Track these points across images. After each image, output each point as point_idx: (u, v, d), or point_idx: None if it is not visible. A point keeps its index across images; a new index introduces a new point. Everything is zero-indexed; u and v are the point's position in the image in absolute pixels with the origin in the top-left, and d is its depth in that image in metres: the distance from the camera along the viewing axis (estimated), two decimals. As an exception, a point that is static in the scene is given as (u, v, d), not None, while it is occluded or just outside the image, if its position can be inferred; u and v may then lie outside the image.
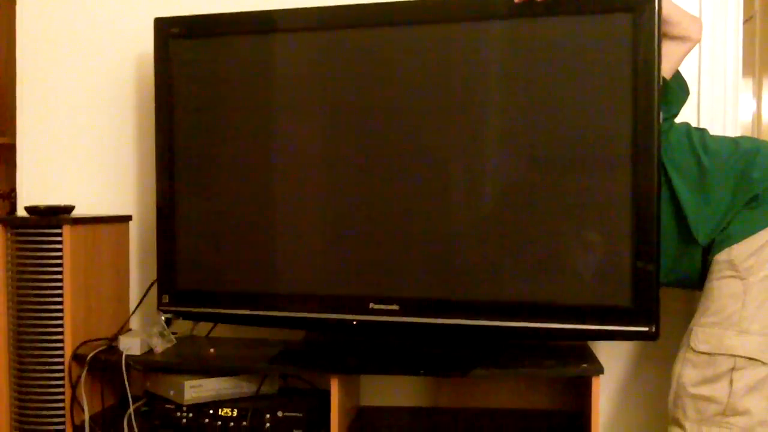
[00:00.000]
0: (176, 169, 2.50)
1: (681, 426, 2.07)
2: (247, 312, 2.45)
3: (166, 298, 2.51)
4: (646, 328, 2.19)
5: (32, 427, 2.41)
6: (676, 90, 2.30)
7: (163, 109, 2.51)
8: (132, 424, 2.37)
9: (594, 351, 2.49)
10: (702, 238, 2.15)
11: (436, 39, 2.33)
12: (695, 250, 2.17)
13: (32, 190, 2.84)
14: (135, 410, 2.41)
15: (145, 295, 2.67)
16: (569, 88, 2.23)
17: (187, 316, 2.54)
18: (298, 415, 2.34)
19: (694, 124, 2.41)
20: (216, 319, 2.57)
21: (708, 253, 2.15)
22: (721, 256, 2.10)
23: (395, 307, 2.34)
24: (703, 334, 2.08)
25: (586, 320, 2.22)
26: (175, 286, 2.50)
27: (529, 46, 2.27)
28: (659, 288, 2.19)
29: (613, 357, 2.61)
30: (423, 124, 2.34)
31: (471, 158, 2.32)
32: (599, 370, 2.26)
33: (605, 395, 2.61)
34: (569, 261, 2.26)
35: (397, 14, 2.35)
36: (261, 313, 2.44)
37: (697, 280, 2.20)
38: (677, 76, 2.29)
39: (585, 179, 2.23)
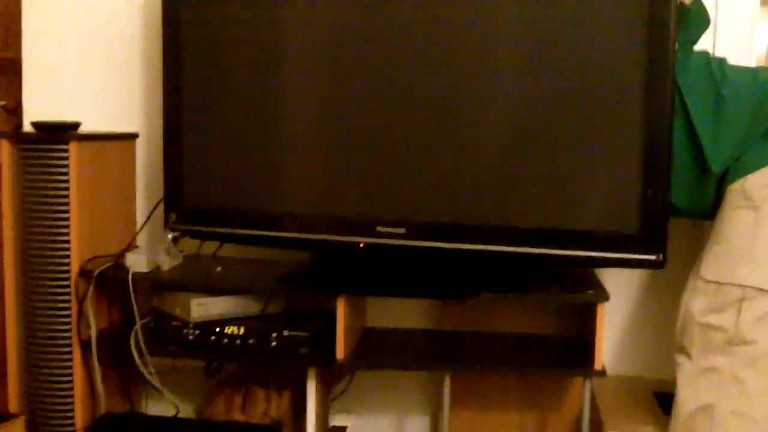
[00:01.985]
0: (183, 87, 2.47)
1: (687, 354, 2.08)
2: (254, 232, 2.45)
3: (172, 217, 2.50)
4: (654, 257, 2.18)
5: (39, 341, 2.43)
6: (696, 16, 2.26)
7: (171, 25, 2.47)
8: (139, 341, 2.39)
9: (600, 279, 2.49)
10: (716, 167, 2.13)
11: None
12: (709, 179, 2.16)
13: (38, 106, 2.81)
14: (141, 327, 2.43)
15: (152, 213, 2.66)
16: (581, 8, 2.19)
17: (193, 234, 2.54)
18: (303, 334, 2.35)
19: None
20: (222, 238, 2.57)
21: (722, 182, 2.14)
22: (735, 186, 2.08)
23: (402, 230, 2.33)
24: (713, 264, 2.07)
25: (594, 247, 2.22)
26: (181, 205, 2.50)
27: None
28: (669, 216, 2.18)
29: (620, 285, 2.61)
30: (434, 45, 2.30)
31: (482, 81, 2.28)
32: (605, 297, 2.26)
33: (610, 323, 2.62)
34: (578, 187, 2.24)
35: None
36: (268, 233, 2.44)
37: (709, 210, 2.19)
38: (698, 2, 2.24)
39: (596, 104, 2.21)
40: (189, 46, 2.47)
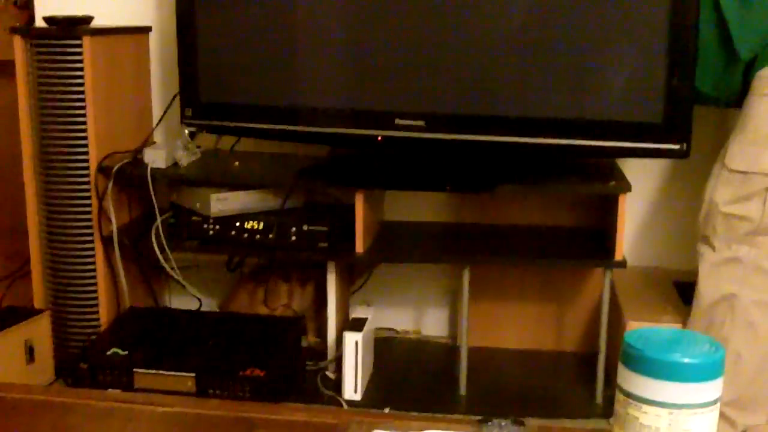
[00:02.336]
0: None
1: (710, 244, 2.07)
2: (272, 126, 2.43)
3: (188, 112, 2.48)
4: (677, 146, 2.16)
5: (61, 238, 2.44)
6: None
7: None
8: (159, 236, 2.40)
9: (622, 170, 2.47)
10: (744, 53, 2.08)
11: None
12: (736, 66, 2.11)
13: (50, 1, 2.76)
14: (162, 221, 2.44)
15: (168, 108, 2.64)
16: None
17: (210, 129, 2.52)
18: (323, 228, 2.36)
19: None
20: (239, 132, 2.56)
21: (750, 69, 2.09)
22: (764, 72, 2.03)
23: (421, 122, 2.31)
24: (739, 153, 2.04)
25: (617, 136, 2.20)
26: (197, 99, 2.47)
27: None
28: (693, 105, 2.15)
29: (642, 176, 2.58)
30: None
31: None
32: (627, 188, 2.25)
33: (631, 213, 2.61)
34: (600, 75, 2.21)
35: None
36: (285, 127, 2.42)
37: (736, 98, 2.15)
38: None
39: None
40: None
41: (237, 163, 2.50)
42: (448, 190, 2.37)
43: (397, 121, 2.32)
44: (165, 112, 2.66)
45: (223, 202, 2.39)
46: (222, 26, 2.43)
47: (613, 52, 2.19)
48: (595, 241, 2.46)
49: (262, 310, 2.57)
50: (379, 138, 2.35)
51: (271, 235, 2.36)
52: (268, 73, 2.43)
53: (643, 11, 2.14)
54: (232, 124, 2.48)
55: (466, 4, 2.25)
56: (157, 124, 2.70)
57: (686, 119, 2.15)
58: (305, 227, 2.36)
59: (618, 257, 2.28)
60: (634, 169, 2.56)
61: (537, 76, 2.25)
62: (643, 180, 2.59)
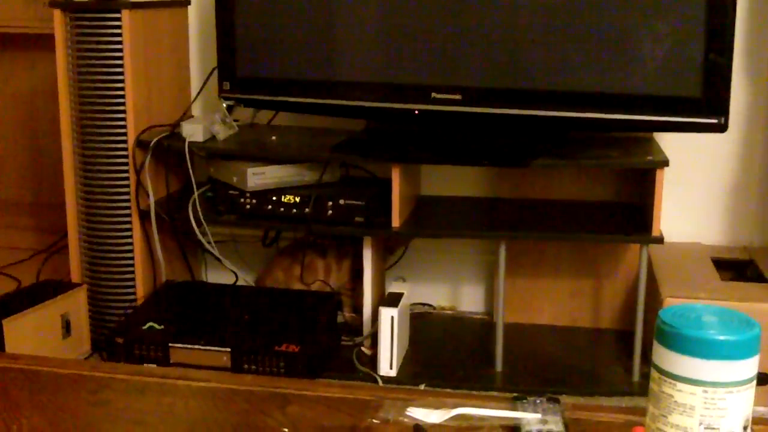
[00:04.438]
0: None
1: None
2: (309, 100, 2.43)
3: (226, 85, 2.49)
4: (716, 120, 2.13)
5: (98, 212, 2.46)
6: None
7: None
8: (197, 209, 2.42)
9: (660, 144, 2.44)
10: None
11: None
12: None
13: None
14: (199, 195, 2.45)
15: (206, 82, 2.65)
16: None
17: (248, 103, 2.53)
18: (359, 203, 2.36)
19: None
20: (277, 106, 2.56)
21: None
22: None
23: (458, 96, 2.30)
24: None
25: (654, 111, 2.18)
26: (235, 73, 2.47)
27: None
28: (730, 78, 2.11)
29: (680, 150, 2.55)
30: None
31: None
32: (664, 162, 2.23)
33: (669, 189, 2.57)
34: (638, 48, 2.18)
35: None
36: (322, 101, 2.42)
37: None
38: None
39: None
40: None
41: (274, 137, 2.50)
42: (485, 164, 2.36)
43: (434, 95, 2.32)
44: (203, 86, 2.66)
45: (259, 176, 2.39)
46: (259, 0, 2.43)
47: (650, 24, 2.17)
48: (632, 216, 2.44)
49: (298, 286, 2.58)
50: (416, 112, 2.34)
51: (307, 210, 2.37)
52: (305, 47, 2.42)
53: None
54: (269, 98, 2.49)
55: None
56: (195, 98, 2.71)
57: (724, 93, 2.13)
58: (342, 201, 2.36)
59: (655, 233, 2.26)
60: (672, 143, 2.52)
61: (574, 49, 2.23)
62: (682, 154, 2.56)
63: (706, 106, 2.14)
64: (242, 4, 2.44)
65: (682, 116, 2.16)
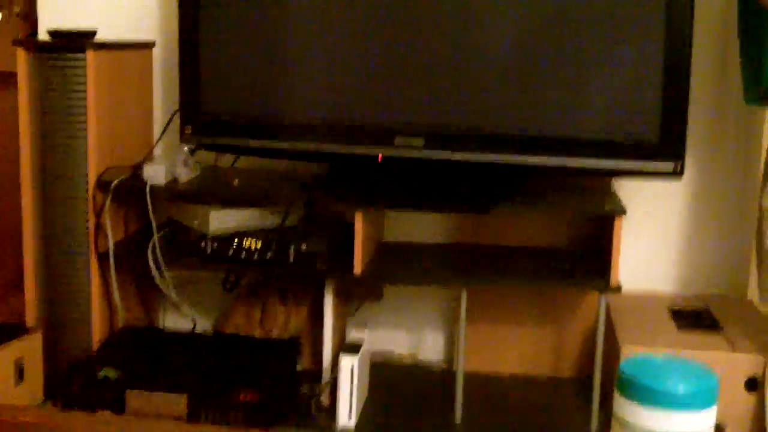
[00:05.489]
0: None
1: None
2: (271, 144, 2.43)
3: (188, 129, 2.48)
4: (672, 164, 2.19)
5: (57, 253, 2.43)
6: None
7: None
8: (156, 253, 2.40)
9: (618, 192, 2.47)
10: None
11: None
12: None
13: (52, 12, 2.77)
14: (159, 238, 2.43)
15: (168, 124, 2.63)
16: None
17: (209, 147, 2.52)
18: (321, 248, 2.35)
19: None
20: (239, 150, 2.56)
21: None
22: None
23: (420, 140, 2.31)
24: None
25: (610, 156, 2.22)
26: (197, 117, 2.47)
27: None
28: (686, 124, 2.17)
29: (636, 198, 2.58)
30: None
31: None
32: (622, 210, 2.26)
33: (626, 237, 2.60)
34: (594, 92, 2.22)
35: None
36: (285, 145, 2.42)
37: None
38: None
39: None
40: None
41: (237, 180, 2.49)
42: (448, 211, 2.38)
43: (397, 139, 2.33)
44: (165, 128, 2.65)
45: (221, 220, 2.38)
46: (222, 44, 2.44)
47: (606, 71, 2.21)
48: (591, 263, 2.45)
49: (258, 332, 2.56)
50: (379, 157, 2.35)
51: (269, 254, 2.35)
52: (268, 91, 2.43)
53: (638, 28, 2.17)
54: (231, 142, 2.49)
55: (462, 23, 2.27)
56: (158, 141, 2.70)
57: (680, 138, 2.18)
58: (304, 246, 2.35)
59: (614, 282, 2.27)
60: (629, 190, 2.56)
61: (533, 94, 2.27)
62: (639, 202, 2.59)
63: (662, 151, 2.19)
64: (205, 47, 2.44)
65: (638, 161, 2.21)
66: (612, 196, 2.42)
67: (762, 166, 2.21)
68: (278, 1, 2.39)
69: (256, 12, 2.41)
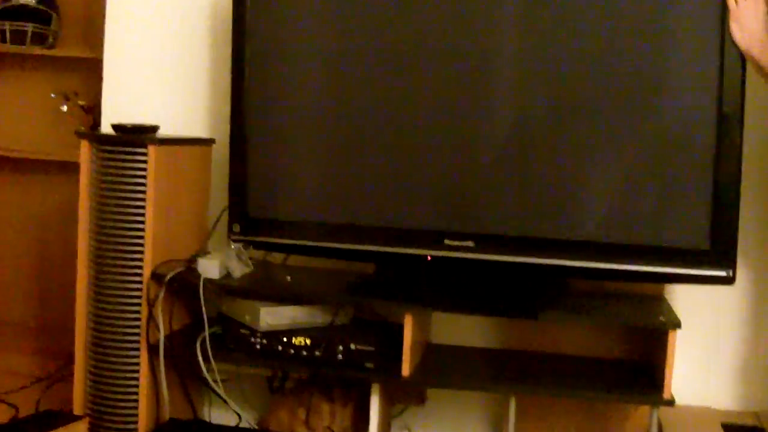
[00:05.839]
0: (250, 95, 2.48)
1: None
2: (320, 244, 2.45)
3: (236, 227, 2.51)
4: (723, 273, 2.19)
5: (108, 343, 2.44)
6: None
7: (238, 33, 2.49)
8: (206, 347, 2.40)
9: (673, 304, 2.45)
10: None
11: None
12: None
13: (116, 106, 2.84)
14: (209, 333, 2.43)
15: (217, 221, 2.66)
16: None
17: (258, 245, 2.54)
18: (370, 348, 2.34)
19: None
20: (287, 249, 2.57)
21: None
22: None
23: (470, 243, 2.32)
24: None
25: (662, 262, 2.23)
26: (246, 215, 2.51)
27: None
28: (737, 231, 2.18)
29: (692, 311, 2.55)
30: (498, 64, 2.31)
31: (553, 101, 2.30)
32: (677, 324, 2.22)
33: (680, 349, 2.57)
34: (648, 201, 2.24)
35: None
36: (333, 245, 2.44)
37: None
38: None
39: (670, 123, 2.22)
40: (257, 56, 2.48)
41: (288, 277, 2.51)
42: (498, 315, 2.36)
43: (447, 241, 2.34)
44: (214, 225, 2.68)
45: (272, 316, 2.39)
46: (273, 144, 2.49)
47: (659, 178, 2.23)
48: (642, 375, 2.41)
49: (302, 429, 2.54)
50: (428, 258, 2.36)
51: (317, 352, 2.35)
52: (318, 192, 2.47)
53: (689, 138, 2.20)
54: (278, 241, 2.51)
55: (512, 132, 2.31)
56: (208, 236, 2.72)
57: (732, 245, 2.19)
58: (352, 346, 2.35)
59: (666, 395, 2.23)
60: (683, 301, 2.53)
61: (586, 200, 2.28)
62: (692, 312, 2.56)
63: (714, 259, 2.19)
64: (254, 148, 2.49)
65: (689, 268, 2.21)
66: (665, 305, 2.40)
67: None
68: (327, 105, 2.44)
69: (305, 115, 2.46)
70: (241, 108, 2.50)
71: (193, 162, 2.64)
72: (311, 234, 2.47)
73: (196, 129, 2.81)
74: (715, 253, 2.19)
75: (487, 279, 2.43)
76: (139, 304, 2.43)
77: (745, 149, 2.27)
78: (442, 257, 2.36)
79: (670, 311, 2.34)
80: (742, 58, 2.12)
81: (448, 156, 2.36)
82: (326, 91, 2.45)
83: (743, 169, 2.21)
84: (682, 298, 2.53)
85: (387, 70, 2.40)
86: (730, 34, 2.08)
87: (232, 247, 2.51)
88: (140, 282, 2.42)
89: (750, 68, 2.14)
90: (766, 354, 2.58)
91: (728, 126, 2.17)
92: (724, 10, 2.12)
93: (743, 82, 2.15)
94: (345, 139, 2.44)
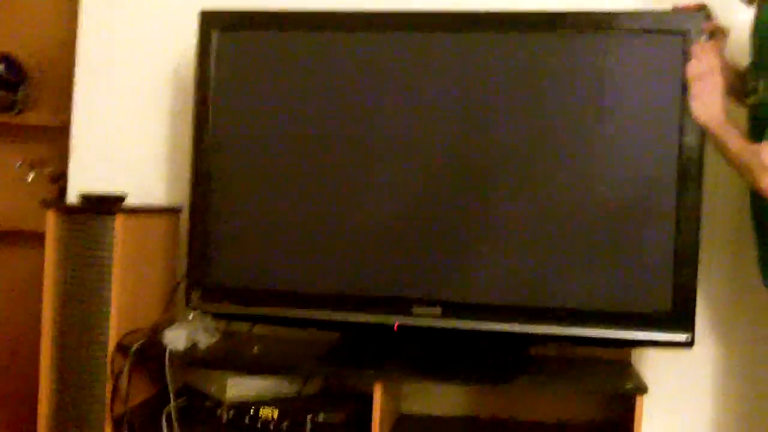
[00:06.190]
0: (212, 161, 2.48)
1: None
2: (284, 313, 2.44)
3: (196, 296, 2.48)
4: (684, 336, 2.24)
5: (71, 415, 2.40)
6: None
7: (201, 100, 2.49)
8: (171, 420, 2.36)
9: (641, 367, 2.48)
10: None
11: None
12: None
13: (84, 175, 2.83)
14: (175, 405, 2.40)
15: (175, 290, 2.64)
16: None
17: (219, 315, 2.50)
18: (339, 419, 2.32)
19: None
20: (248, 319, 2.55)
21: None
22: None
23: (438, 310, 2.32)
24: None
25: (624, 326, 2.27)
26: (206, 283, 2.48)
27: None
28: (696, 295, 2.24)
29: (659, 374, 2.57)
30: (472, 132, 2.36)
31: (512, 169, 2.35)
32: (642, 389, 2.23)
33: (652, 410, 2.56)
34: (611, 268, 2.28)
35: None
36: (297, 314, 2.43)
37: None
38: None
39: (631, 193, 2.28)
40: (219, 122, 2.48)
41: (256, 347, 2.48)
42: (467, 383, 2.36)
43: (414, 308, 2.35)
44: (172, 294, 2.65)
45: (238, 388, 2.36)
46: (233, 213, 2.48)
47: (620, 246, 2.28)
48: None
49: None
50: (396, 326, 2.36)
51: (285, 424, 2.32)
52: (281, 259, 2.46)
53: (651, 212, 2.26)
54: (239, 311, 2.48)
55: (480, 200, 2.34)
56: (169, 307, 2.67)
57: (691, 309, 2.24)
58: (321, 417, 2.32)
59: (636, 462, 2.23)
60: (651, 368, 2.54)
61: (549, 268, 2.31)
62: (661, 376, 2.57)
63: (674, 323, 2.23)
64: (215, 215, 2.47)
65: (650, 332, 2.25)
66: (632, 370, 2.42)
67: None
68: (290, 172, 2.45)
69: (268, 182, 2.46)
70: (201, 174, 2.48)
71: (161, 231, 2.63)
72: (274, 302, 2.45)
73: (166, 196, 2.80)
74: (676, 317, 2.24)
75: (456, 346, 2.43)
76: (103, 375, 2.39)
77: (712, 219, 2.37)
78: (410, 325, 2.35)
79: (637, 376, 2.36)
80: (701, 131, 2.17)
81: (415, 223, 2.37)
82: (289, 158, 2.45)
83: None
84: (650, 362, 2.55)
85: (351, 138, 2.42)
86: (690, 110, 2.14)
87: (190, 316, 2.48)
88: (105, 353, 2.39)
89: (708, 141, 2.19)
90: (732, 415, 2.59)
91: (688, 194, 2.23)
92: (684, 87, 2.18)
93: (701, 154, 2.23)
94: (309, 206, 2.44)
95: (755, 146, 1.99)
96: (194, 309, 2.48)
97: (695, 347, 2.29)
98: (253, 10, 2.50)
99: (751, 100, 2.12)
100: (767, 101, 2.05)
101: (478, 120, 2.36)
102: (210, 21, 2.49)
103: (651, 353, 2.54)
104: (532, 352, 2.45)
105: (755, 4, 2.09)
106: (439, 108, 2.38)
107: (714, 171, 2.37)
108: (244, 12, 2.50)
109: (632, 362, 2.51)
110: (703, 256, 2.32)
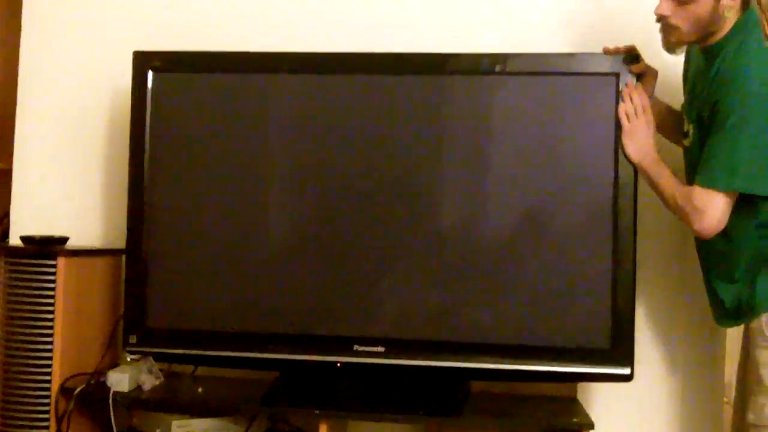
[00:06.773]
0: (148, 203, 2.46)
1: None
2: (222, 354, 2.42)
3: (133, 339, 2.45)
4: (624, 370, 2.28)
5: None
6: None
7: (136, 141, 2.48)
8: (117, 464, 2.34)
9: (589, 402, 2.52)
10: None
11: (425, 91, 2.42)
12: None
13: (25, 218, 2.81)
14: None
15: (112, 332, 2.61)
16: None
17: (158, 357, 2.48)
18: (284, 460, 2.32)
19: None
20: (190, 360, 2.53)
21: None
22: (753, 324, 2.09)
23: (380, 348, 2.34)
24: (753, 405, 2.07)
25: (566, 361, 2.30)
26: (143, 325, 2.45)
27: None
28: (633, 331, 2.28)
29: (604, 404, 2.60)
30: (415, 169, 2.40)
31: (461, 206, 2.41)
32: (589, 424, 2.27)
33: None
34: (552, 304, 2.33)
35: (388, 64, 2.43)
36: (237, 354, 2.42)
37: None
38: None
39: (569, 230, 2.34)
40: (156, 163, 2.47)
41: (201, 388, 2.47)
42: (411, 421, 2.37)
43: (356, 347, 2.36)
44: (110, 337, 2.60)
45: (183, 429, 2.35)
46: (171, 253, 2.47)
47: (561, 283, 2.33)
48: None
49: None
50: (339, 364, 2.37)
51: (231, 465, 2.32)
52: (220, 300, 2.45)
53: (589, 249, 2.32)
54: (178, 352, 2.46)
55: (423, 239, 2.39)
56: (108, 350, 2.62)
57: (630, 344, 2.29)
58: (267, 458, 2.32)
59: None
60: (597, 398, 2.58)
61: (493, 304, 2.35)
62: (605, 410, 2.60)
63: (615, 357, 2.28)
64: (151, 257, 2.45)
65: (592, 367, 2.29)
66: (577, 406, 2.45)
67: (735, 383, 2.26)
68: (227, 212, 2.46)
69: (204, 223, 2.47)
70: (136, 217, 2.47)
71: (104, 272, 2.62)
72: (213, 344, 2.43)
73: (107, 238, 2.78)
74: (616, 352, 2.28)
75: (400, 383, 2.44)
76: (47, 419, 2.36)
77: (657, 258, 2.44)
78: (353, 363, 2.37)
79: (583, 412, 2.39)
80: (635, 170, 2.25)
81: (355, 262, 2.40)
82: (226, 199, 2.47)
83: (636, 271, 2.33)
84: (595, 396, 2.58)
85: (292, 177, 2.45)
86: (623, 149, 2.22)
87: (131, 358, 2.46)
88: (48, 396, 2.37)
89: (641, 178, 2.26)
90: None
91: (623, 233, 2.29)
92: (617, 127, 2.26)
93: (635, 192, 2.28)
94: (248, 247, 2.45)
95: (687, 189, 2.08)
96: (131, 352, 2.45)
97: (637, 379, 2.32)
98: (183, 51, 2.53)
99: (686, 142, 2.20)
100: (696, 145, 2.13)
101: (413, 163, 2.40)
102: (143, 61, 2.48)
103: (596, 388, 2.58)
104: (479, 389, 2.47)
105: (682, 51, 2.17)
106: (351, 145, 2.41)
107: (646, 212, 2.44)
108: (176, 53, 2.52)
109: (578, 398, 2.54)
110: (639, 287, 2.38)
